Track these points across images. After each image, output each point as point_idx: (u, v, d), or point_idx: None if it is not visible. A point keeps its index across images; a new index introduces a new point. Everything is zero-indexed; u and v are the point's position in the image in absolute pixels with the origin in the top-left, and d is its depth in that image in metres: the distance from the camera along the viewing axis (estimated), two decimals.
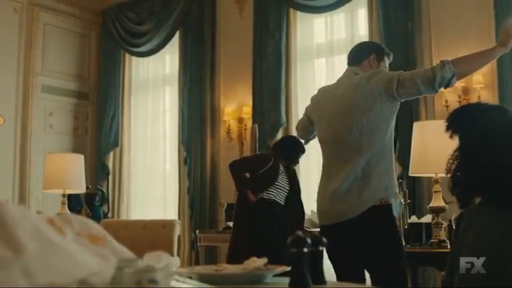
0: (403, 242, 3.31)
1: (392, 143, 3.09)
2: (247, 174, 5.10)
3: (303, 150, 5.17)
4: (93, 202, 7.27)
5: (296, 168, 5.89)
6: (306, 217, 5.57)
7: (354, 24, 6.60)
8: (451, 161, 1.95)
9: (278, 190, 5.03)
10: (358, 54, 3.34)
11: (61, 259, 1.00)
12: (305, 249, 1.31)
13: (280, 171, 5.08)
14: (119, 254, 1.18)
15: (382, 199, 2.93)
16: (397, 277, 2.99)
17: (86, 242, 1.13)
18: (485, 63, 3.03)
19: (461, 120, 1.97)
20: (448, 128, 1.97)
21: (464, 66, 2.92)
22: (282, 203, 5.07)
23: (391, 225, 3.00)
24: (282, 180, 5.08)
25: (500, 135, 1.88)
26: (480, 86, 5.58)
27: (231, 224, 5.85)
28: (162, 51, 7.98)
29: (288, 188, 5.10)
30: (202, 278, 1.45)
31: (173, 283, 1.12)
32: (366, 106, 3.02)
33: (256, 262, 1.53)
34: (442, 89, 2.97)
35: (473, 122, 1.93)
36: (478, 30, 5.73)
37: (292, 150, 5.15)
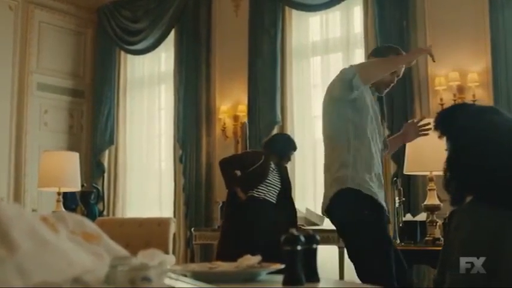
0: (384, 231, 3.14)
1: (360, 142, 3.09)
2: (238, 172, 5.08)
3: (294, 148, 5.16)
4: (88, 200, 7.27)
5: (291, 165, 5.90)
6: (301, 215, 5.56)
7: (350, 23, 6.60)
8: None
9: (269, 188, 5.00)
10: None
11: (55, 258, 1.00)
12: (299, 247, 1.32)
13: (271, 169, 5.05)
14: (113, 252, 1.18)
15: (338, 188, 3.03)
16: (370, 265, 2.97)
17: (80, 240, 1.13)
18: (390, 68, 3.12)
19: (449, 122, 1.97)
20: (435, 129, 1.98)
21: (370, 68, 3.09)
22: (273, 201, 5.03)
23: (349, 213, 3.03)
24: (273, 178, 5.05)
25: (490, 137, 1.89)
26: (475, 84, 5.60)
27: None
28: (157, 49, 7.97)
29: (279, 186, 5.08)
30: (196, 276, 1.45)
31: (167, 281, 1.13)
32: (326, 105, 3.19)
33: (250, 260, 1.54)
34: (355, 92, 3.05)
35: (464, 124, 1.94)
36: (473, 28, 5.75)
37: (284, 147, 5.14)
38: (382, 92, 3.32)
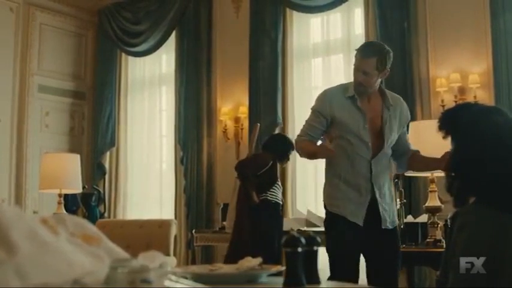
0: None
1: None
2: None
3: (293, 147, 5.16)
4: (89, 202, 7.26)
5: (292, 167, 5.90)
6: (302, 216, 5.57)
7: (350, 24, 6.60)
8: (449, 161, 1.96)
9: (278, 190, 5.02)
10: None
11: (55, 259, 1.00)
12: (299, 249, 1.31)
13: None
14: (113, 254, 1.18)
15: None
16: None
17: (80, 242, 1.13)
18: (309, 157, 3.45)
19: (453, 122, 1.97)
20: (439, 129, 1.98)
21: (300, 150, 3.41)
22: (281, 203, 5.07)
23: None
24: (278, 179, 5.10)
25: (492, 137, 1.88)
26: (476, 85, 5.59)
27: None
28: (158, 50, 7.97)
29: (281, 186, 5.13)
30: (197, 278, 1.45)
31: (167, 283, 1.12)
32: None
33: (251, 262, 1.53)
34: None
35: (467, 123, 1.93)
36: (474, 29, 5.74)
37: (284, 147, 5.13)
38: (361, 94, 3.32)
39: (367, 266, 3.35)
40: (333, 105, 3.30)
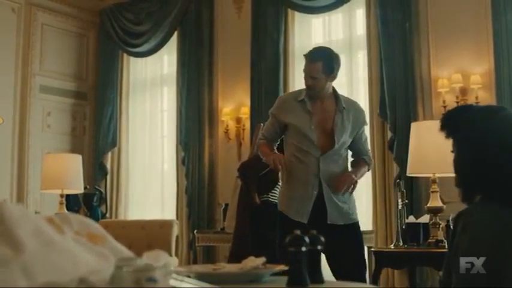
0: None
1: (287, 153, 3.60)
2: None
3: None
4: (91, 202, 7.26)
5: None
6: None
7: (352, 25, 6.60)
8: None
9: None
10: None
11: (61, 258, 1.00)
12: (303, 248, 1.32)
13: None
14: (118, 253, 1.18)
15: None
16: None
17: (85, 241, 1.13)
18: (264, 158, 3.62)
19: (454, 122, 1.97)
20: (441, 129, 1.98)
21: (259, 150, 3.70)
22: None
23: None
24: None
25: (494, 136, 1.89)
26: (478, 86, 5.59)
27: None
28: (160, 51, 7.98)
29: None
30: (200, 277, 1.45)
31: (172, 282, 1.13)
32: None
33: (255, 261, 1.54)
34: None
35: (467, 124, 1.94)
36: (475, 30, 5.74)
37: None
38: (311, 97, 3.49)
39: (329, 265, 3.37)
40: (284, 109, 3.53)
